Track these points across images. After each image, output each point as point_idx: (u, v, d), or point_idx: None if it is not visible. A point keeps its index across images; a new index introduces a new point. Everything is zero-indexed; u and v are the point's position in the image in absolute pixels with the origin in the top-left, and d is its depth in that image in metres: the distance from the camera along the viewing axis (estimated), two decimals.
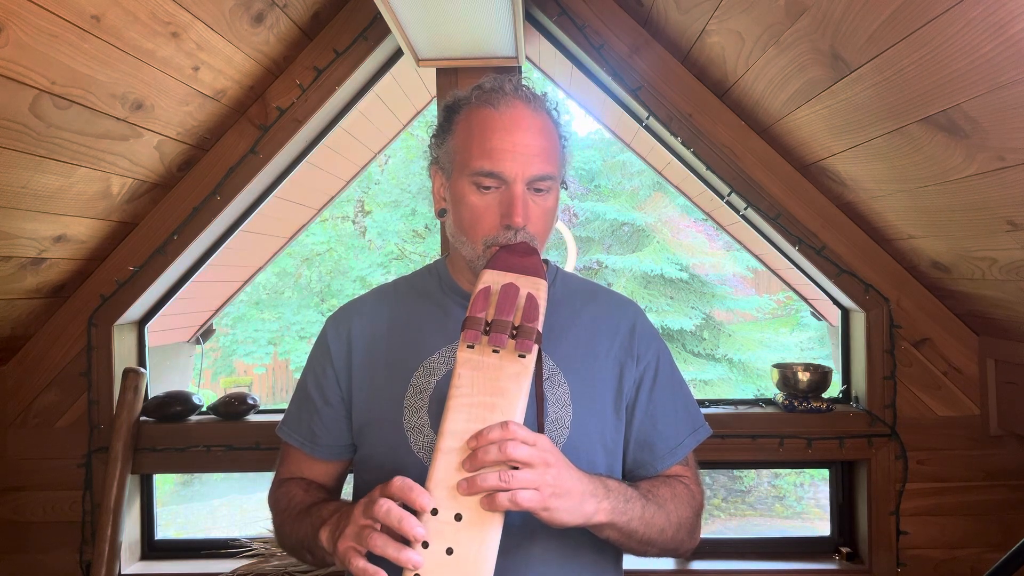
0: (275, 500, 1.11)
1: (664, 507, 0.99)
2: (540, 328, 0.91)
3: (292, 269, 8.60)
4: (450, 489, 0.81)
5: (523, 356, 0.88)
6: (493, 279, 0.94)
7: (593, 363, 1.07)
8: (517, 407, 0.86)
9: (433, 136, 1.10)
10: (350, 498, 1.12)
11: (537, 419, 0.96)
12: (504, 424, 0.82)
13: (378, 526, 0.81)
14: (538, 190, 1.01)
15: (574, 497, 0.85)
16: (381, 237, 8.79)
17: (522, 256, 0.97)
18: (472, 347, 0.89)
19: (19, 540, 1.89)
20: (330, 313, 1.20)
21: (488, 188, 0.99)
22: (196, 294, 2.58)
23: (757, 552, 1.95)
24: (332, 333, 1.11)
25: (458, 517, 0.80)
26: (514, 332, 0.89)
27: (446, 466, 0.82)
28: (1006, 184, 1.21)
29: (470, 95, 1.04)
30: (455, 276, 1.11)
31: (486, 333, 0.89)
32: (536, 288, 0.94)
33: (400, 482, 0.81)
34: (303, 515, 1.00)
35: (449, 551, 0.78)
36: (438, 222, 2.98)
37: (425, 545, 0.78)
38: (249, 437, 1.90)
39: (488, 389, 0.86)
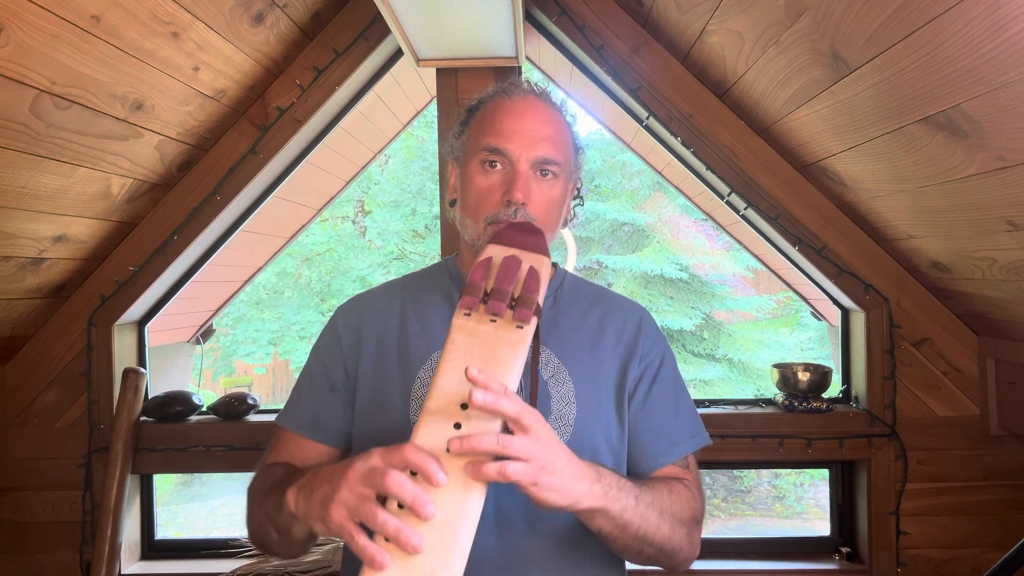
0: (252, 484, 1.07)
1: (660, 502, 0.96)
2: (540, 301, 0.89)
3: (292, 269, 8.60)
4: (435, 450, 0.77)
5: (521, 327, 0.86)
6: (495, 252, 0.93)
7: (599, 362, 1.07)
8: (511, 375, 0.82)
9: (453, 136, 1.13)
10: None
11: (531, 401, 0.94)
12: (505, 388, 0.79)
13: (373, 495, 0.76)
14: (543, 173, 1.03)
15: (564, 476, 0.81)
16: (381, 237, 8.80)
17: (527, 234, 0.96)
18: (469, 314, 0.87)
19: (19, 540, 1.89)
20: (330, 312, 1.20)
21: (494, 165, 1.02)
22: (196, 294, 2.58)
23: (757, 552, 1.95)
24: (342, 320, 1.12)
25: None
26: (513, 303, 0.87)
27: (433, 427, 0.79)
28: (1006, 184, 1.21)
29: (489, 93, 1.09)
30: (465, 272, 1.12)
31: (484, 302, 0.87)
32: (539, 264, 0.92)
33: (414, 453, 0.75)
34: (274, 489, 0.96)
35: None
36: (438, 222, 2.98)
37: (400, 506, 0.74)
38: (249, 437, 1.90)
39: (482, 356, 0.83)
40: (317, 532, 0.81)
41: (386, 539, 0.73)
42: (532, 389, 0.94)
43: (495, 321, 0.86)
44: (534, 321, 0.87)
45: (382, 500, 0.76)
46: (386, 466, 0.75)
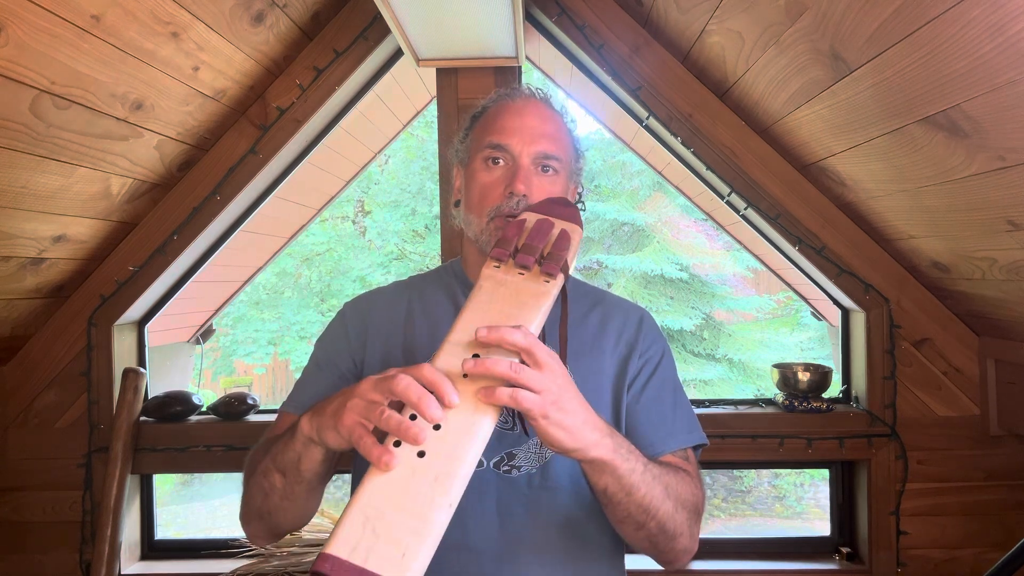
0: (250, 453, 1.04)
1: (665, 478, 0.95)
2: (570, 263, 0.91)
3: (292, 269, 8.60)
4: (451, 376, 0.78)
5: (548, 281, 0.88)
6: (530, 216, 0.97)
7: (599, 360, 1.08)
8: (534, 322, 0.84)
9: (458, 141, 1.16)
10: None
11: (561, 359, 0.93)
12: (519, 326, 0.79)
13: (385, 402, 0.76)
14: (545, 169, 1.06)
15: (576, 417, 0.80)
16: (381, 237, 8.79)
17: (563, 206, 1.00)
18: (498, 267, 0.90)
19: (19, 540, 1.89)
20: (330, 312, 1.20)
21: (497, 162, 1.06)
22: (196, 294, 2.58)
23: (757, 552, 1.95)
24: (350, 314, 1.14)
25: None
26: (542, 259, 0.90)
27: (451, 355, 0.80)
28: (1006, 184, 1.21)
29: (491, 98, 1.13)
30: (469, 272, 1.15)
31: (513, 256, 0.90)
32: (571, 230, 0.95)
33: (430, 371, 0.75)
34: (280, 436, 0.94)
35: (436, 427, 0.75)
36: (438, 222, 2.99)
37: (412, 418, 0.75)
38: (249, 437, 1.89)
39: (507, 301, 0.85)
40: (329, 444, 0.81)
41: (395, 445, 0.74)
42: (562, 347, 0.95)
43: (523, 274, 0.89)
44: (561, 278, 0.89)
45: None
46: (400, 375, 0.76)
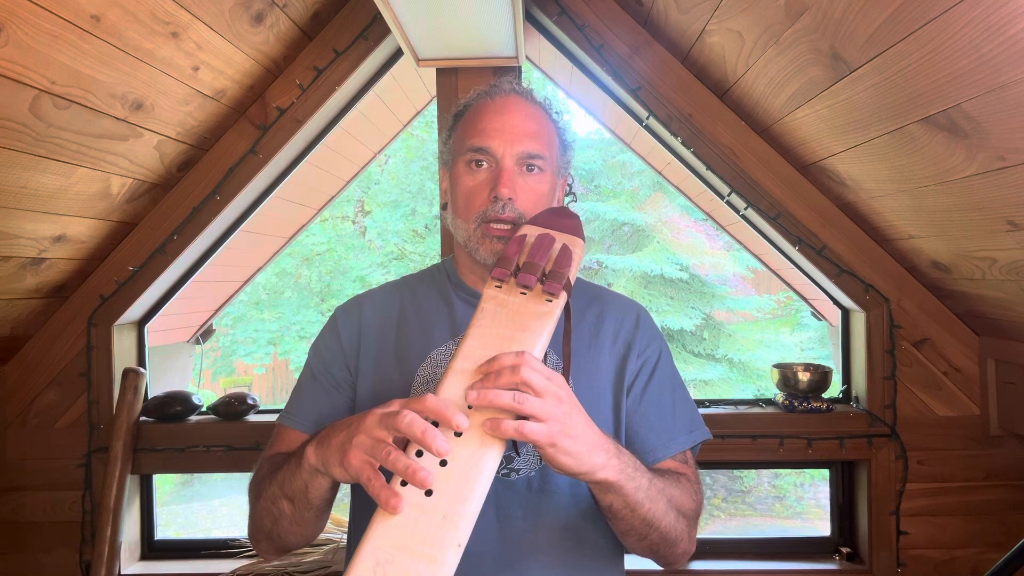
0: (254, 475, 1.05)
1: (668, 490, 0.96)
2: (572, 279, 0.90)
3: (292, 269, 8.60)
4: (457, 406, 0.78)
5: (550, 300, 0.87)
6: (531, 230, 0.96)
7: (596, 359, 1.08)
8: (537, 345, 0.83)
9: (442, 142, 1.15)
10: (347, 499, 1.12)
11: (564, 375, 0.93)
12: (520, 352, 0.79)
13: (390, 439, 0.75)
14: (529, 168, 1.04)
15: (583, 442, 0.81)
16: (381, 237, 8.79)
17: (564, 217, 0.99)
18: (500, 286, 0.89)
19: (19, 540, 1.89)
20: (330, 312, 1.20)
21: (480, 164, 1.04)
22: (196, 294, 2.58)
23: (757, 552, 1.95)
24: (343, 319, 1.14)
25: (458, 433, 0.77)
26: (544, 278, 0.89)
27: (455, 385, 0.80)
28: (1006, 184, 1.21)
29: (472, 96, 1.11)
30: (461, 273, 1.14)
31: (514, 275, 0.89)
32: (573, 244, 0.95)
33: (433, 400, 0.75)
34: (285, 461, 0.93)
35: (443, 463, 0.75)
36: (438, 222, 2.99)
37: (419, 454, 0.75)
38: (249, 437, 1.90)
39: (510, 324, 0.85)
40: (336, 478, 0.81)
41: (402, 484, 0.74)
42: (566, 364, 0.95)
43: (525, 294, 0.88)
44: (563, 296, 0.88)
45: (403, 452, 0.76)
46: (403, 409, 0.75)
